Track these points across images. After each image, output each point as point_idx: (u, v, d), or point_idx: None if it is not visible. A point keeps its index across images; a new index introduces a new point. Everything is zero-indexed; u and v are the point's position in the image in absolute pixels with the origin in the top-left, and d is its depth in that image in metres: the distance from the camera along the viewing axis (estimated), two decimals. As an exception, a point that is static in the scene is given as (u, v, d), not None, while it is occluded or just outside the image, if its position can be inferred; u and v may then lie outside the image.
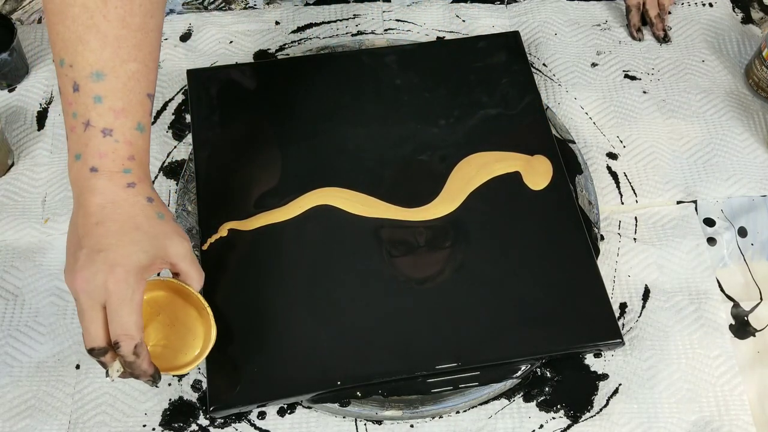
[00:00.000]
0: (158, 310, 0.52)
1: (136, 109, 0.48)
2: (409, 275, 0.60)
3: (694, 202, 0.67)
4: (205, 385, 0.57)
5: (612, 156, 0.69)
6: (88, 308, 0.46)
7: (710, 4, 0.80)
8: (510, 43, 0.74)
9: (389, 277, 0.60)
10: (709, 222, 0.66)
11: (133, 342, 0.46)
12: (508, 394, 0.57)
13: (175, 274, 0.51)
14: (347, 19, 0.78)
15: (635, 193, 0.67)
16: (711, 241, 0.65)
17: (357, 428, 0.56)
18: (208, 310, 0.52)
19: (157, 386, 0.53)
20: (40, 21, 0.78)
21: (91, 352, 0.47)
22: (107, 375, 0.48)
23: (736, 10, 0.80)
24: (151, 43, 0.49)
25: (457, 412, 0.57)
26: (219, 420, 0.56)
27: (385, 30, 0.78)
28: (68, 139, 0.48)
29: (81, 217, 0.47)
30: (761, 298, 0.62)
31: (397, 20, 0.78)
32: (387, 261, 0.60)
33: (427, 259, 0.61)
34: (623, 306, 0.61)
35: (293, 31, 0.78)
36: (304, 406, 0.57)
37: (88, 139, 0.47)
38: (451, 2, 0.80)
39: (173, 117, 0.71)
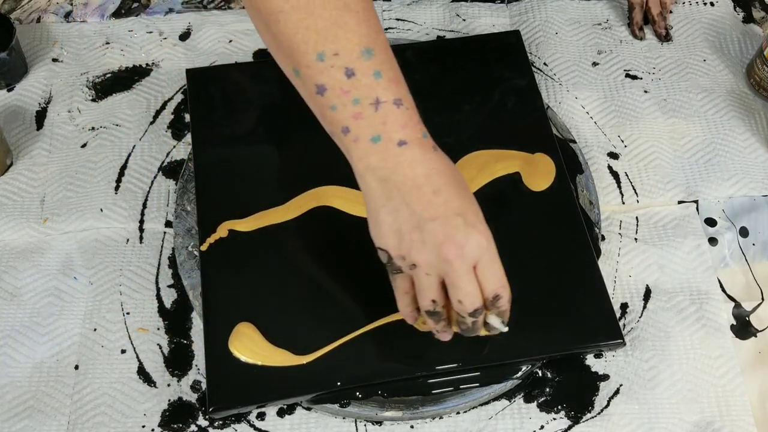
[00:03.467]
0: None
1: (400, 75, 0.47)
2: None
3: (696, 201, 0.66)
4: (204, 386, 0.57)
5: (613, 155, 0.69)
6: (465, 272, 0.45)
7: (711, 3, 0.80)
8: (511, 43, 0.73)
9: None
10: (711, 222, 0.65)
11: (509, 291, 0.48)
12: (509, 395, 0.57)
13: None
14: (347, 18, 0.78)
15: (636, 193, 0.67)
16: (712, 241, 0.64)
17: (357, 429, 0.56)
18: None
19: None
20: (38, 20, 0.78)
21: (474, 313, 0.47)
22: (493, 331, 0.50)
23: (737, 9, 0.80)
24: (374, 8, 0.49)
25: (458, 413, 0.57)
26: (218, 421, 0.56)
27: (385, 29, 0.77)
28: (352, 130, 0.46)
29: (408, 194, 0.45)
30: (762, 299, 0.62)
31: (397, 19, 0.78)
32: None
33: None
34: (624, 306, 0.61)
35: (293, 31, 0.77)
36: (303, 407, 0.56)
37: (384, 116, 0.45)
38: (452, 1, 0.80)
39: (172, 116, 0.71)
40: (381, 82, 0.45)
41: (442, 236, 0.45)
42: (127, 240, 0.64)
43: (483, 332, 0.50)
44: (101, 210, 0.65)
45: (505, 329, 0.50)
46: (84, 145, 0.69)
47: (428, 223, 0.45)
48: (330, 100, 0.46)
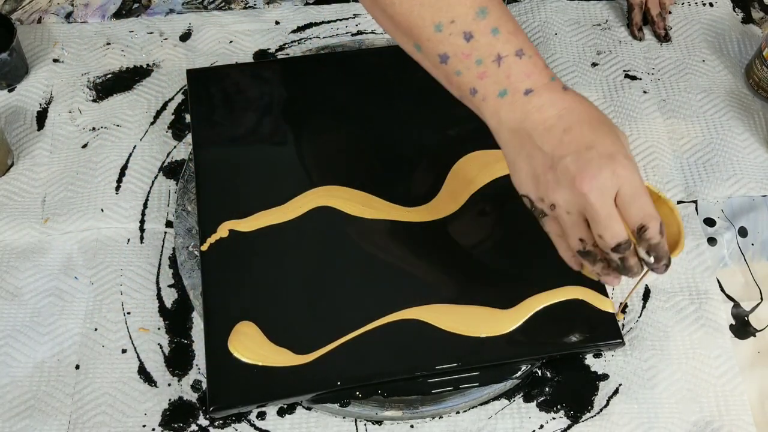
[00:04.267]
0: None
1: (518, 26, 0.48)
2: (409, 277, 0.60)
3: (695, 202, 0.67)
4: (205, 386, 0.57)
5: (612, 156, 0.69)
6: (604, 205, 0.44)
7: (710, 4, 0.80)
8: (510, 43, 0.73)
9: (390, 278, 0.60)
10: (710, 222, 0.66)
11: (658, 221, 0.45)
12: (509, 395, 0.57)
13: None
14: (347, 19, 0.78)
15: (635, 193, 0.67)
16: (711, 241, 0.65)
17: (357, 428, 0.56)
18: (672, 205, 0.50)
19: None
20: (39, 21, 0.78)
21: (617, 249, 0.46)
22: (632, 274, 0.48)
23: (736, 9, 0.80)
24: None
25: (457, 413, 0.57)
26: (219, 420, 0.56)
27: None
28: (479, 90, 0.47)
29: (539, 137, 0.46)
30: (761, 298, 0.62)
31: (397, 20, 0.78)
32: (387, 263, 0.60)
33: (427, 261, 0.61)
34: (624, 306, 0.61)
35: (293, 31, 0.77)
36: (304, 407, 0.57)
37: (507, 70, 0.47)
38: (451, 2, 0.80)
39: (173, 117, 0.71)
40: (500, 38, 0.47)
41: (574, 171, 0.45)
42: (128, 240, 0.64)
43: (663, 263, 0.47)
44: (102, 210, 0.65)
45: (662, 269, 0.47)
46: (85, 146, 0.69)
47: (560, 161, 0.45)
48: (454, 66, 0.48)
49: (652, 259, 0.47)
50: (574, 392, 0.57)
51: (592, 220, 0.45)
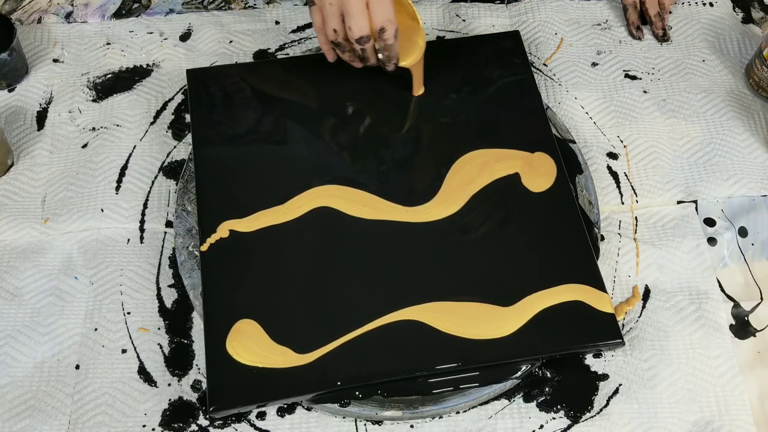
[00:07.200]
0: None
1: None
2: (409, 277, 0.60)
3: (695, 202, 0.67)
4: (205, 385, 0.57)
5: (612, 156, 0.69)
6: (357, 3, 0.58)
7: (711, 4, 0.80)
8: (510, 43, 0.73)
9: (390, 278, 0.60)
10: (710, 222, 0.66)
11: (394, 27, 0.60)
12: (509, 395, 0.57)
13: None
14: (347, 19, 0.78)
15: (635, 193, 0.67)
16: (711, 241, 0.65)
17: (357, 428, 0.56)
18: (420, 22, 0.64)
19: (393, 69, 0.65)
20: (39, 21, 0.78)
21: (360, 41, 0.60)
22: (369, 63, 0.64)
23: (736, 9, 0.80)
24: None
25: (457, 413, 0.57)
26: (219, 420, 0.56)
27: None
28: None
29: None
30: (761, 298, 0.62)
31: (397, 20, 0.78)
32: (387, 263, 0.60)
33: (427, 261, 0.61)
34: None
35: (293, 31, 0.78)
36: (304, 407, 0.57)
37: None
38: (452, 1, 0.80)
39: (173, 117, 0.71)
40: None
41: None
42: (128, 240, 0.64)
43: (392, 63, 0.64)
44: (102, 210, 0.65)
45: (392, 67, 0.64)
46: (85, 146, 0.69)
47: None
48: None
49: (382, 57, 0.63)
50: (574, 392, 0.57)
51: (347, 13, 0.58)
